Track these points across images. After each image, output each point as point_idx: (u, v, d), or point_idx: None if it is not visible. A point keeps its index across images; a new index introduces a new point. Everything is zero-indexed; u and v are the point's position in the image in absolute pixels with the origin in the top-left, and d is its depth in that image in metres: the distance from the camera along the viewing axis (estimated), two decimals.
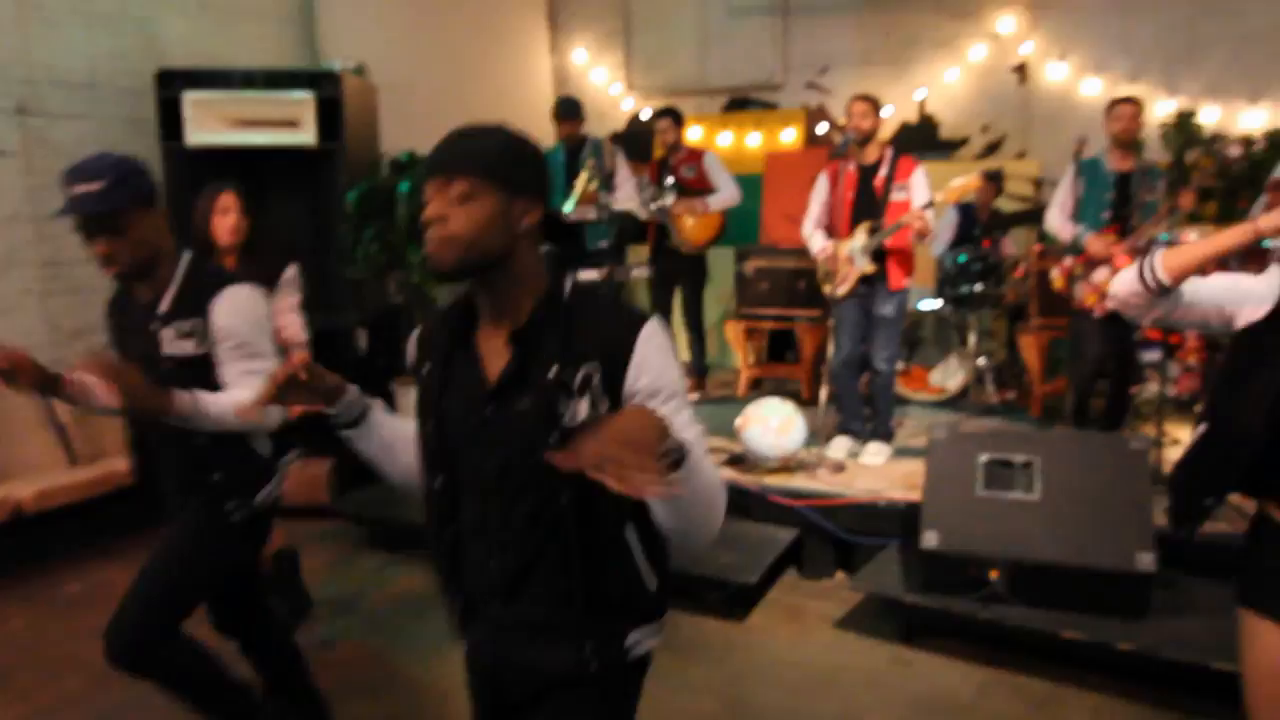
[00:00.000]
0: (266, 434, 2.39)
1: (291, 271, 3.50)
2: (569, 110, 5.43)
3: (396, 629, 3.63)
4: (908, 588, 3.45)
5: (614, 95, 7.98)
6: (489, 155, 1.37)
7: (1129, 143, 4.40)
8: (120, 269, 2.17)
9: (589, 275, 4.92)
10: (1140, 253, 4.30)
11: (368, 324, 5.56)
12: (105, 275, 2.19)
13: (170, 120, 4.85)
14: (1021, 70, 6.73)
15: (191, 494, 2.32)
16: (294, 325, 3.47)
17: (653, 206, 5.63)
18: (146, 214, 2.16)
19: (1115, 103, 4.45)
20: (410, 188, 4.85)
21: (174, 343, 2.21)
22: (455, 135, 1.40)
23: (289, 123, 4.88)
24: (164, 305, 2.22)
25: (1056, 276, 4.55)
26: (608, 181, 5.22)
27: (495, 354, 1.45)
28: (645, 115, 7.61)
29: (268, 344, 2.32)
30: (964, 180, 4.29)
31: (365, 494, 4.60)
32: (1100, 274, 4.36)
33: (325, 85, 5.00)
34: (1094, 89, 6.43)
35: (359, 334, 5.55)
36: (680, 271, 5.69)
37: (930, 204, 4.28)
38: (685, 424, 1.37)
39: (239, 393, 2.15)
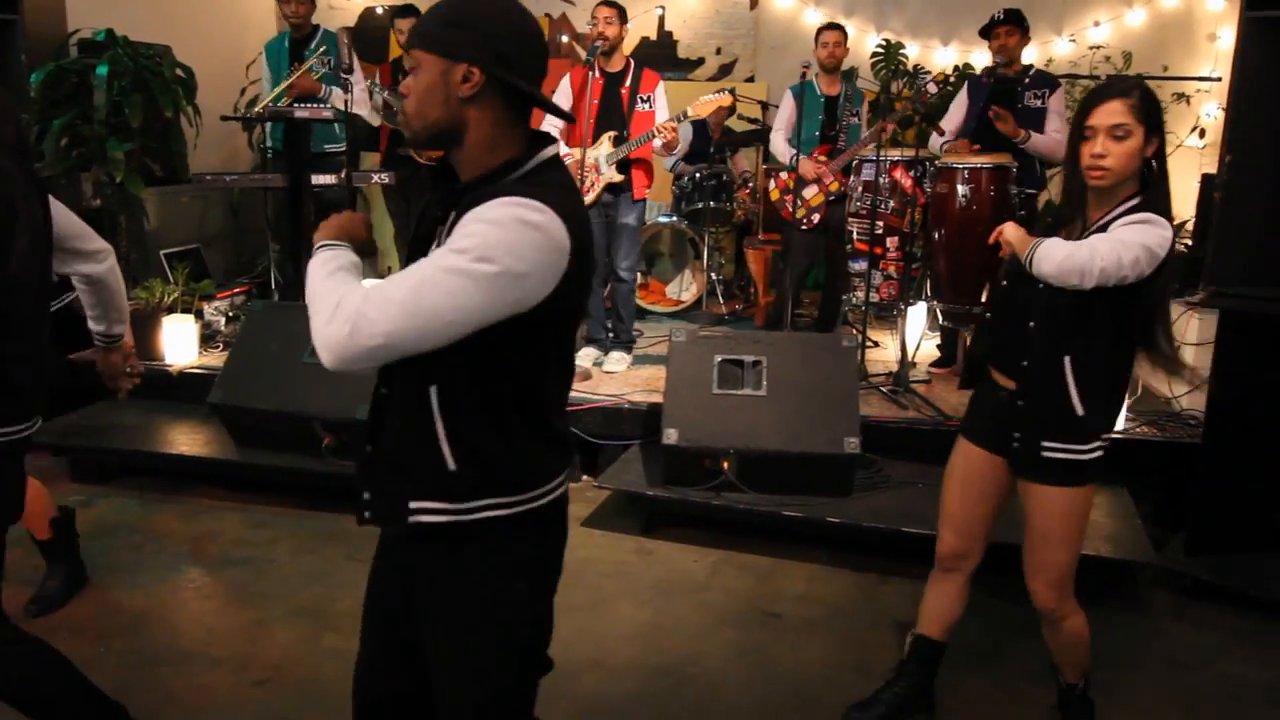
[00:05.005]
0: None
1: None
2: None
3: (114, 565, 3.33)
4: (649, 483, 3.67)
5: None
6: (426, 23, 1.38)
7: (834, 68, 4.84)
8: None
9: (322, 180, 4.61)
10: (845, 171, 4.77)
11: None
12: None
13: None
14: None
15: None
16: None
17: (385, 112, 5.36)
18: None
19: (821, 30, 4.86)
20: (108, 71, 4.25)
21: None
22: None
23: None
24: None
25: (774, 189, 4.99)
26: (340, 79, 4.85)
27: None
28: (380, 11, 7.17)
29: None
30: (717, 96, 4.46)
31: (66, 421, 4.14)
32: (809, 190, 4.77)
33: None
34: (814, 19, 6.87)
35: None
36: (415, 179, 5.48)
37: (683, 116, 4.40)
38: None
39: None
